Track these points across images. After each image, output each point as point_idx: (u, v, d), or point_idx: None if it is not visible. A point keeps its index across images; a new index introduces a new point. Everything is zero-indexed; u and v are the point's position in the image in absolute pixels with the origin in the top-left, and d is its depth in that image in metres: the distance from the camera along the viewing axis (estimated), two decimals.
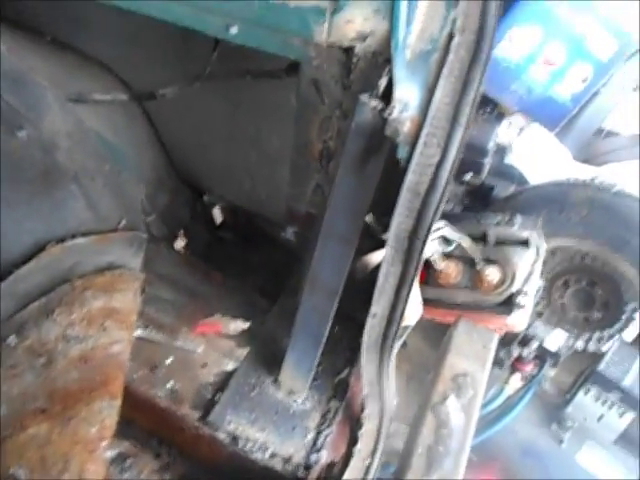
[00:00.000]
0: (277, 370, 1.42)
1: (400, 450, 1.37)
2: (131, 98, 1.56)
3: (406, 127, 0.87)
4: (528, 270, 1.70)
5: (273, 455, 1.28)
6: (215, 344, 1.61)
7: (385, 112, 0.88)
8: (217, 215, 1.97)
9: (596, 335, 3.02)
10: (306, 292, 1.18)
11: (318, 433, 1.33)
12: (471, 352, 1.61)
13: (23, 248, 1.44)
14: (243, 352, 1.53)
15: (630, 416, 2.28)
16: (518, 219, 1.78)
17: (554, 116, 3.59)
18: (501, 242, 1.77)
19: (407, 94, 0.88)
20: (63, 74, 1.56)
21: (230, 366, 1.51)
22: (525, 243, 1.75)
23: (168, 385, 1.82)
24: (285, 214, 1.39)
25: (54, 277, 1.43)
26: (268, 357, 1.48)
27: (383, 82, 0.91)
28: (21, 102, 1.33)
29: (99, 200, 1.55)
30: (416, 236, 0.92)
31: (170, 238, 1.83)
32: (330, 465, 1.27)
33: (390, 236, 0.95)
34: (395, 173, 0.97)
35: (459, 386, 1.50)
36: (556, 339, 2.53)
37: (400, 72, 0.89)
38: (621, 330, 2.91)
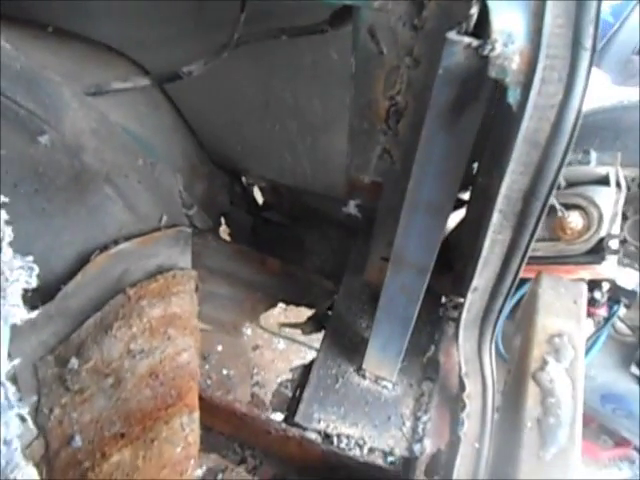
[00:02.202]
0: (358, 357, 1.30)
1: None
2: (154, 82, 1.40)
3: (515, 63, 0.70)
4: (612, 210, 1.53)
5: (372, 450, 1.18)
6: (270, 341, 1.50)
7: (484, 48, 0.71)
8: (258, 196, 1.82)
9: None
10: (391, 270, 1.05)
11: (416, 420, 1.22)
12: (562, 309, 1.47)
13: (66, 262, 1.33)
14: (296, 353, 1.42)
15: None
16: (593, 155, 1.60)
17: None
18: (574, 183, 1.59)
19: (508, 22, 0.71)
20: (75, 66, 1.41)
21: (284, 371, 1.41)
22: (604, 181, 1.57)
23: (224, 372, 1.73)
24: (346, 186, 1.24)
25: (105, 289, 1.32)
26: (345, 343, 1.36)
27: (474, 12, 0.74)
28: (38, 104, 1.18)
29: (137, 199, 1.42)
30: (534, 196, 0.77)
31: (214, 228, 1.70)
32: (437, 454, 1.16)
33: (499, 198, 0.79)
34: (487, 122, 0.81)
35: (557, 348, 1.36)
36: (630, 276, 2.35)
37: None
38: None
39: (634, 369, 2.47)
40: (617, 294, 2.42)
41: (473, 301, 1.00)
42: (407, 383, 1.29)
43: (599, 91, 3.25)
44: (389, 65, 0.94)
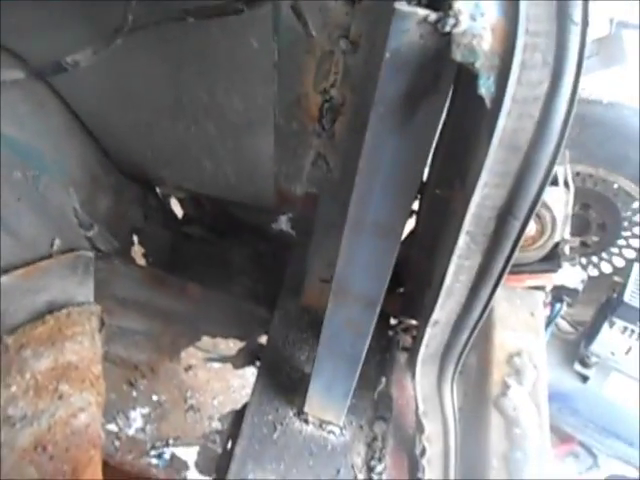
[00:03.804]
0: (299, 397, 1.11)
1: None
2: (31, 74, 1.13)
3: (486, 42, 0.53)
4: (564, 212, 1.43)
5: None
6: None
7: (445, 23, 0.53)
8: (177, 208, 1.58)
9: (596, 258, 2.89)
10: (334, 302, 0.86)
11: (370, 471, 1.04)
12: (519, 323, 1.36)
13: None
14: (232, 372, 1.21)
15: None
16: None
17: None
18: None
19: None
20: None
21: (220, 391, 1.19)
22: (552, 181, 1.47)
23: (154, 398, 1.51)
24: (275, 199, 1.03)
25: None
26: (283, 381, 1.16)
27: None
28: None
29: (16, 220, 1.15)
30: (512, 214, 0.60)
31: (124, 249, 1.45)
32: None
33: (467, 219, 0.62)
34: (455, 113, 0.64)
35: (518, 369, 1.24)
36: (572, 273, 2.32)
37: None
38: (622, 248, 2.78)
39: (577, 367, 2.46)
40: (559, 293, 2.38)
41: (433, 335, 0.83)
42: (357, 425, 1.11)
43: None
44: (320, 50, 0.75)
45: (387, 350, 1.24)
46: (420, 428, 1.02)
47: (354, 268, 0.79)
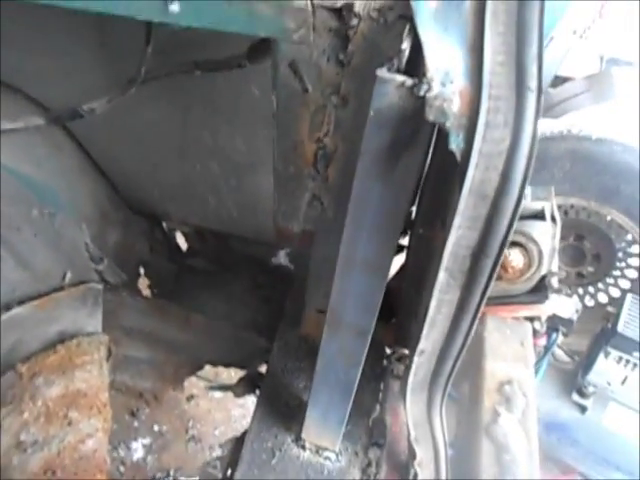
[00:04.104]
0: (296, 424, 1.15)
1: None
2: (50, 121, 1.23)
3: (455, 105, 0.61)
4: (551, 245, 1.50)
5: None
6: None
7: (420, 88, 0.61)
8: (182, 242, 1.66)
9: (592, 289, 2.93)
10: (328, 332, 0.92)
11: None
12: (509, 353, 1.41)
13: None
14: (233, 402, 1.26)
15: None
16: (528, 190, 1.57)
17: None
18: None
19: (445, 59, 0.62)
20: None
21: (222, 421, 1.24)
22: (539, 216, 1.54)
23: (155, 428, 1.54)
24: (274, 236, 1.11)
25: None
26: (281, 409, 1.21)
27: (405, 47, 0.65)
28: None
29: (32, 255, 1.23)
30: (484, 253, 0.67)
31: (131, 281, 1.51)
32: None
33: (445, 256, 0.69)
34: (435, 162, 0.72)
35: (508, 397, 1.29)
36: (567, 304, 2.37)
37: (427, 30, 0.62)
38: (617, 278, 2.83)
39: (575, 397, 2.47)
40: (555, 323, 2.43)
41: (420, 364, 0.89)
42: (352, 451, 1.15)
43: None
44: (314, 104, 0.83)
45: (381, 378, 1.29)
46: (412, 454, 1.06)
47: (346, 300, 0.86)
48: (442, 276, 0.72)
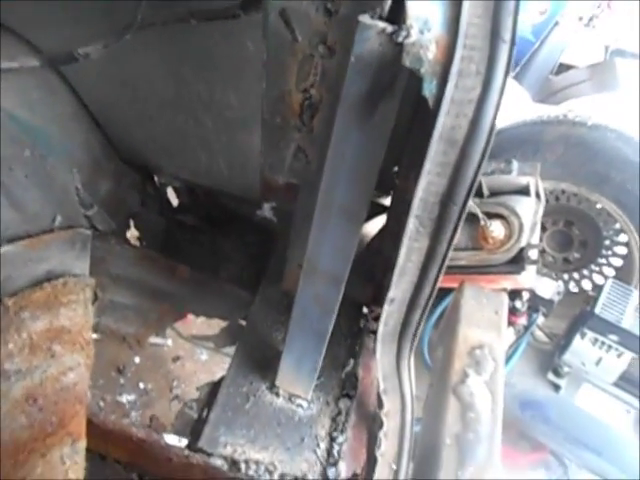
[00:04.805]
0: (272, 373, 1.20)
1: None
2: (45, 63, 1.24)
3: (431, 52, 0.63)
4: (532, 220, 1.54)
5: (283, 476, 1.07)
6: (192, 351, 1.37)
7: (399, 35, 0.64)
8: (173, 197, 1.68)
9: (577, 275, 2.98)
10: (304, 279, 0.96)
11: (332, 441, 1.13)
12: (483, 320, 1.45)
13: None
14: (219, 365, 1.30)
15: (629, 357, 2.21)
16: (515, 165, 1.60)
17: (517, 51, 3.44)
18: (496, 192, 1.58)
19: (424, 8, 0.64)
20: None
21: (215, 374, 1.28)
22: (524, 191, 1.57)
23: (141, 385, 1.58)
24: (260, 188, 1.14)
25: None
26: (258, 358, 1.25)
27: None
28: None
29: (23, 195, 1.25)
30: (451, 200, 0.70)
31: (120, 230, 1.54)
32: (353, 477, 1.08)
33: (415, 203, 0.72)
34: (407, 119, 0.74)
35: (477, 361, 1.33)
36: (548, 285, 2.42)
37: None
38: (602, 266, 2.88)
39: (551, 376, 2.54)
40: (536, 303, 2.48)
41: (390, 313, 0.93)
42: (324, 401, 1.20)
43: (520, 106, 3.37)
44: (302, 54, 0.85)
45: (358, 336, 1.33)
46: (380, 404, 1.11)
47: (322, 247, 0.89)
48: (412, 223, 0.75)
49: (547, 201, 2.75)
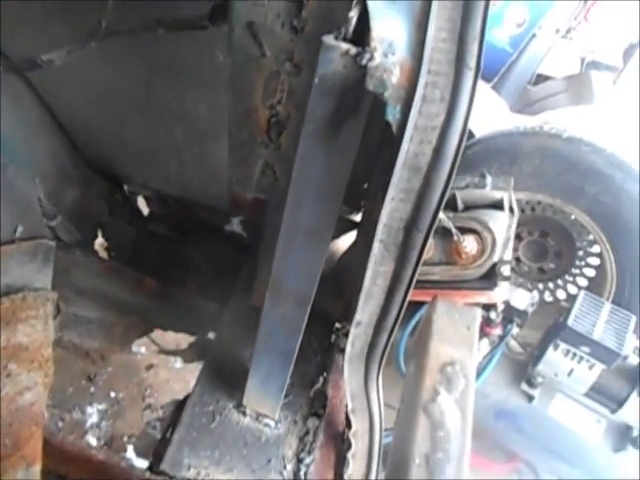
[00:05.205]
0: (239, 391, 1.17)
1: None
2: (7, 69, 1.19)
3: (394, 77, 0.62)
4: (505, 235, 1.54)
5: None
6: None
7: (362, 57, 0.62)
8: (144, 206, 1.64)
9: (552, 285, 3.01)
10: (269, 300, 0.93)
11: (299, 462, 1.11)
12: (455, 336, 1.44)
13: None
14: (193, 373, 1.27)
15: (599, 368, 2.23)
16: (489, 179, 1.60)
17: (495, 62, 3.46)
18: (470, 206, 1.58)
19: (389, 30, 0.63)
20: None
21: (179, 392, 1.25)
22: (498, 205, 1.57)
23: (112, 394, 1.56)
24: (228, 201, 1.11)
25: None
26: (226, 375, 1.22)
27: (353, 16, 0.65)
28: None
29: None
30: (415, 227, 0.69)
31: (86, 241, 1.50)
32: None
33: (379, 228, 0.71)
34: (376, 139, 0.73)
35: (449, 378, 1.32)
36: (523, 297, 2.43)
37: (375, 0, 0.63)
38: (575, 276, 2.91)
39: (524, 386, 2.56)
40: (510, 314, 2.49)
41: (357, 335, 0.91)
42: (291, 420, 1.17)
43: (498, 115, 3.40)
44: (268, 70, 0.83)
45: (328, 352, 1.31)
46: (348, 424, 1.09)
47: (288, 268, 0.87)
48: (377, 247, 0.73)
49: (523, 211, 2.78)
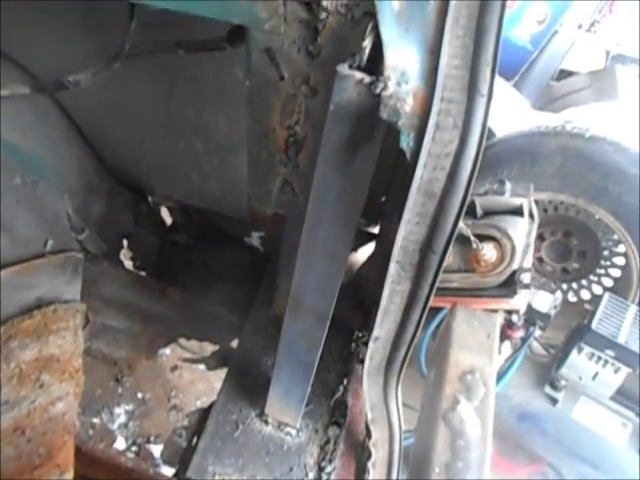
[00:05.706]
0: (261, 400, 1.20)
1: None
2: (35, 90, 1.24)
3: (408, 105, 0.63)
4: (525, 242, 1.53)
5: None
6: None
7: (376, 86, 0.63)
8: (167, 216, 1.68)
9: (575, 285, 2.97)
10: (289, 315, 0.96)
11: (320, 471, 1.13)
12: (475, 344, 1.44)
13: None
14: (217, 375, 1.30)
15: (625, 372, 2.20)
16: (508, 185, 1.59)
17: (515, 61, 3.42)
18: (489, 212, 1.57)
19: (403, 59, 0.64)
20: None
21: (204, 393, 1.28)
22: (517, 212, 1.56)
23: (139, 395, 1.58)
24: (248, 216, 1.14)
25: None
26: (248, 384, 1.25)
27: (367, 45, 0.67)
28: None
29: (14, 221, 1.25)
30: (431, 249, 0.70)
31: (113, 251, 1.55)
32: None
33: (395, 249, 0.72)
34: (391, 161, 0.74)
35: (468, 386, 1.33)
36: (545, 299, 2.41)
37: (389, 28, 0.64)
38: (600, 276, 2.87)
39: (548, 389, 2.53)
40: (533, 316, 2.47)
41: (375, 350, 0.93)
42: (312, 428, 1.20)
43: (520, 115, 3.35)
44: (285, 92, 0.85)
45: (348, 361, 1.33)
46: (368, 434, 1.11)
47: (306, 285, 0.89)
48: (393, 267, 0.75)
49: (545, 211, 2.75)
